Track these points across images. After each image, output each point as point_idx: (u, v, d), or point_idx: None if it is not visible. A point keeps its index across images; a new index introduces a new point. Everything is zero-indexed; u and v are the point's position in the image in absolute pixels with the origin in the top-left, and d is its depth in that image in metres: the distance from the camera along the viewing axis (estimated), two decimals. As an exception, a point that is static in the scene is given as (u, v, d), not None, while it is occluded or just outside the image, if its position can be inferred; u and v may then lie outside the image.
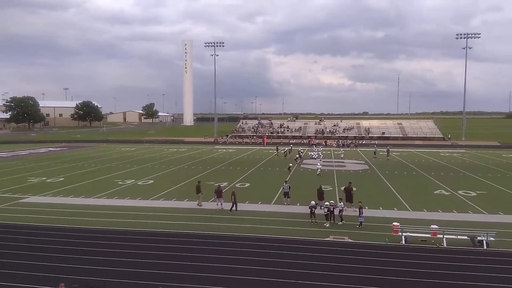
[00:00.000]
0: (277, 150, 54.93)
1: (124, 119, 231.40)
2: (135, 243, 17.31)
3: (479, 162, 46.48)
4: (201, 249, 16.52)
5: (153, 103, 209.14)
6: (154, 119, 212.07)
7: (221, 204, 23.21)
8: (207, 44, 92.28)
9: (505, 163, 44.95)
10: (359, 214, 19.77)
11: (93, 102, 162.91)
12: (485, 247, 16.58)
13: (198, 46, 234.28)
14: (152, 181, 32.95)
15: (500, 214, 22.16)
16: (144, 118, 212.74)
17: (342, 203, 21.01)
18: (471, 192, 28.02)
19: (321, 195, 22.87)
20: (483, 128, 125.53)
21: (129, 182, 32.56)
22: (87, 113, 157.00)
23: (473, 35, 79.37)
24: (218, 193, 23.35)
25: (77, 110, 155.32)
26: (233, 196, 22.83)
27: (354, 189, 24.75)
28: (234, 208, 22.58)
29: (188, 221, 20.89)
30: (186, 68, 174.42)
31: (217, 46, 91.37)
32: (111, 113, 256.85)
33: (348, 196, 23.19)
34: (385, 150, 52.56)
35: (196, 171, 38.89)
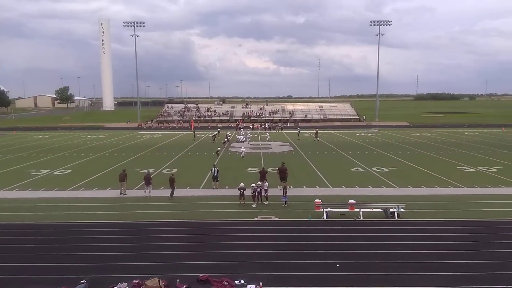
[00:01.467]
0: (194, 136, 55.23)
1: (35, 104, 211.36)
2: (52, 237, 16.21)
3: (390, 141, 50.69)
4: (127, 238, 16.01)
5: (68, 87, 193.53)
6: (69, 104, 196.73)
7: (149, 191, 22.56)
8: (126, 23, 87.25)
9: (413, 141, 49.59)
10: (283, 194, 20.58)
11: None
12: (396, 218, 18.28)
13: (116, 25, 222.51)
14: (70, 170, 30.89)
15: (409, 187, 24.50)
16: (58, 103, 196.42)
17: (266, 183, 21.62)
18: (383, 168, 30.53)
19: (263, 176, 23.20)
20: (394, 110, 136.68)
21: (44, 172, 30.19)
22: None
23: (385, 22, 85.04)
24: (147, 180, 22.63)
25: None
26: (172, 182, 22.31)
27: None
28: (172, 194, 22.13)
29: (112, 210, 20.04)
30: (103, 48, 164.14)
31: (137, 26, 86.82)
32: (19, 98, 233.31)
33: (282, 176, 23.88)
34: (313, 132, 55.06)
35: (119, 158, 37.23)
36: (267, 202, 20.75)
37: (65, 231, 16.91)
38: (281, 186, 23.18)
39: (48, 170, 30.86)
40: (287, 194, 20.90)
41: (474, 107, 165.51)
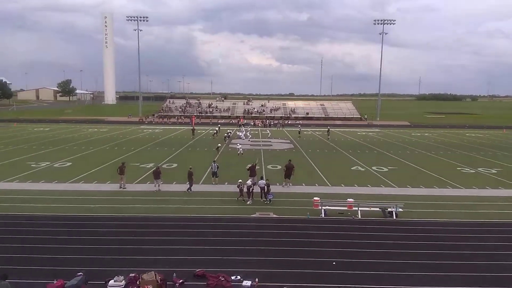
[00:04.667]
0: (193, 133, 51.66)
1: (37, 96, 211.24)
2: (51, 229, 16.27)
3: (391, 140, 50.63)
4: (125, 232, 16.07)
5: (70, 80, 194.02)
6: (71, 97, 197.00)
7: (159, 185, 22.65)
8: (129, 17, 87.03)
9: (414, 141, 49.53)
10: (268, 191, 20.53)
11: (1, 78, 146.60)
12: (394, 217, 18.29)
13: (119, 19, 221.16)
14: (70, 163, 30.95)
15: (408, 187, 24.48)
16: (60, 96, 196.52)
17: (263, 180, 21.61)
18: (383, 168, 30.52)
19: (253, 172, 23.47)
20: (395, 109, 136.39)
21: (44, 164, 30.25)
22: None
23: (389, 21, 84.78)
24: (156, 174, 22.71)
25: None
26: (191, 176, 22.48)
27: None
28: (190, 188, 22.41)
29: (111, 204, 20.09)
30: (106, 43, 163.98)
31: (140, 20, 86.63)
32: (22, 90, 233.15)
33: (288, 173, 24.01)
34: (325, 130, 54.85)
35: (119, 152, 37.27)
36: (265, 199, 20.68)
37: (64, 223, 16.96)
38: (284, 183, 23.53)
39: (48, 163, 30.92)
40: (271, 191, 20.74)
41: (476, 108, 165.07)
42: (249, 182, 20.90)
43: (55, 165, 30.04)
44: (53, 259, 13.49)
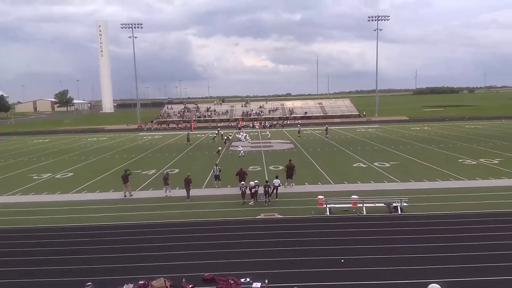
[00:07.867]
0: (188, 139, 48.08)
1: (35, 108, 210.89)
2: (57, 240, 16.23)
3: (391, 135, 50.66)
4: (133, 240, 16.04)
5: (67, 90, 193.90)
6: (69, 107, 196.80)
7: (169, 191, 22.68)
8: (123, 25, 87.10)
9: (413, 136, 49.57)
10: (264, 193, 20.47)
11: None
12: (399, 212, 18.28)
13: (113, 27, 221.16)
14: (72, 174, 30.90)
15: (411, 181, 24.49)
16: (58, 106, 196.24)
17: (278, 180, 21.49)
18: (385, 163, 30.53)
19: (242, 176, 22.88)
20: (393, 105, 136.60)
21: (46, 176, 30.20)
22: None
23: (383, 18, 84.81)
24: (165, 181, 22.79)
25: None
26: (188, 183, 22.20)
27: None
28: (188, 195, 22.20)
29: (115, 212, 20.06)
30: (102, 51, 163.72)
31: (135, 27, 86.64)
32: (19, 102, 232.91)
33: (290, 173, 23.94)
34: (322, 129, 55.33)
35: (120, 160, 37.24)
36: (275, 200, 20.72)
37: (69, 234, 16.92)
38: (286, 183, 23.51)
39: (50, 174, 30.89)
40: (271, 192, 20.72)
41: (473, 100, 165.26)
42: (252, 183, 20.85)
43: (57, 176, 30.00)
44: (61, 270, 13.44)
